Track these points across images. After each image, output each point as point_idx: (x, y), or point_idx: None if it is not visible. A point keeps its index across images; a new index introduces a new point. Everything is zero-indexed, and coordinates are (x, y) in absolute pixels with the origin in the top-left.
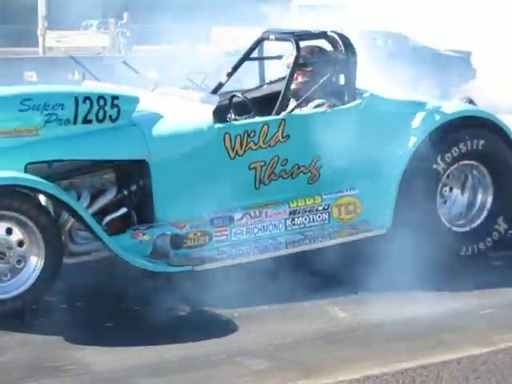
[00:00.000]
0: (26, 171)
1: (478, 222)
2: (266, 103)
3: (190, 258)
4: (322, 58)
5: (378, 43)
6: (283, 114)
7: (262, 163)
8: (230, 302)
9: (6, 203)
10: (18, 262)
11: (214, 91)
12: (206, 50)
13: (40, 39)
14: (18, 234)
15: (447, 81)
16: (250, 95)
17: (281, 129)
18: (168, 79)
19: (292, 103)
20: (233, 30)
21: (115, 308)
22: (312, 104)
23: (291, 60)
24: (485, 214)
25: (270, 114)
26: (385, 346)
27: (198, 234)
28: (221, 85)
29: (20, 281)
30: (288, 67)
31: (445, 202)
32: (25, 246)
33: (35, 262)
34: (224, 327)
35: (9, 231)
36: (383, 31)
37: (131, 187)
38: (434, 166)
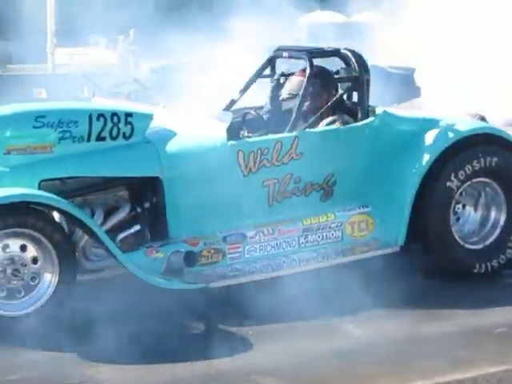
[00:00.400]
0: (39, 188)
1: (492, 239)
2: (279, 120)
3: (204, 276)
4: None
5: None
6: (296, 131)
7: (275, 181)
8: (245, 319)
9: (21, 220)
10: (33, 278)
11: (227, 108)
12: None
13: (49, 56)
14: (32, 251)
15: (388, 99)
16: (262, 112)
17: (294, 146)
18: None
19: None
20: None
21: (128, 325)
22: (324, 122)
23: (293, 86)
24: (498, 231)
25: (282, 131)
26: (400, 363)
27: (212, 251)
28: (233, 102)
29: (34, 298)
30: (289, 94)
31: (458, 219)
32: (39, 263)
33: (49, 279)
34: (239, 345)
35: (23, 248)
36: None
37: (145, 204)
38: (448, 183)
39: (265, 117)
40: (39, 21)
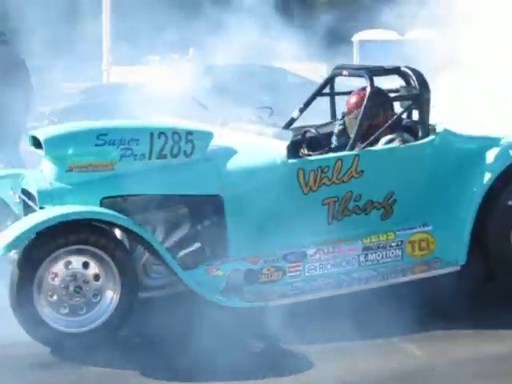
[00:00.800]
0: (101, 205)
1: None
2: (339, 139)
3: (264, 294)
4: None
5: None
6: (356, 149)
7: (336, 199)
8: (305, 338)
9: (83, 237)
10: (94, 295)
11: (286, 126)
12: None
13: (104, 74)
14: (94, 268)
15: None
16: (322, 130)
17: (354, 164)
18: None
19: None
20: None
21: (188, 343)
22: (383, 140)
23: (352, 104)
24: None
25: (342, 149)
26: None
27: (272, 269)
28: (293, 120)
29: (95, 315)
30: (348, 112)
31: None
32: (101, 280)
33: (111, 296)
34: (299, 363)
35: (85, 265)
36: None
37: (205, 222)
38: (509, 202)
39: (324, 135)
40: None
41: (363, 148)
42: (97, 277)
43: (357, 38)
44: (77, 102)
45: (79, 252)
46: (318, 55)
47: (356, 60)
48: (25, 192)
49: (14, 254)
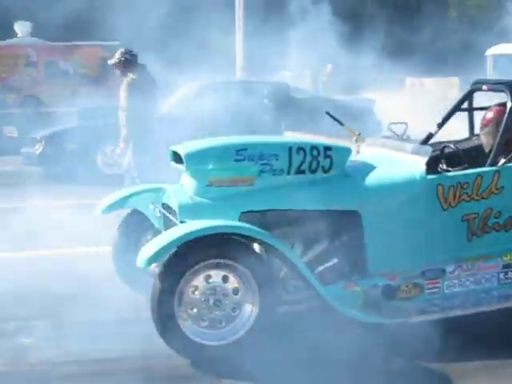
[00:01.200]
0: (240, 220)
1: None
2: (477, 154)
3: (402, 310)
4: None
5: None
6: (497, 165)
7: (475, 215)
8: (442, 355)
9: (224, 251)
10: (233, 309)
11: (424, 142)
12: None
13: None
14: (233, 282)
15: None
16: (460, 146)
17: (495, 180)
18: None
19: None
20: (426, 81)
21: (325, 358)
22: None
23: (490, 120)
24: None
25: (480, 165)
26: None
27: (410, 285)
28: (431, 135)
29: (234, 329)
30: (487, 128)
31: None
32: (240, 294)
33: (249, 310)
34: (439, 382)
35: (225, 279)
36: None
37: (343, 237)
38: None
39: (463, 150)
40: (228, 56)
41: (504, 164)
42: (236, 291)
43: (490, 52)
44: None
45: (218, 266)
46: (451, 70)
47: (490, 74)
48: (165, 206)
49: (155, 268)
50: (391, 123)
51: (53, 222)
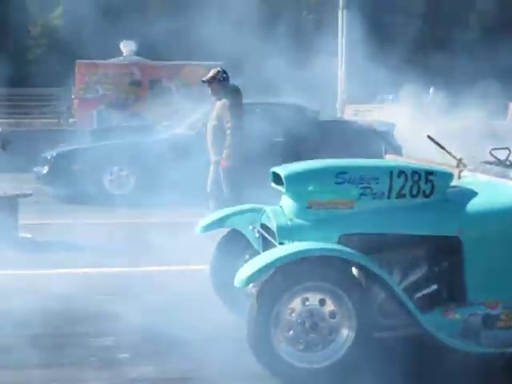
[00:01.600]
0: (339, 243)
1: None
2: None
3: (502, 339)
4: None
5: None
6: None
7: None
8: None
9: (322, 274)
10: (330, 333)
11: None
12: (503, 125)
13: (338, 112)
14: (330, 306)
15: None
16: None
17: None
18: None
19: None
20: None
21: None
22: None
23: None
24: None
25: None
26: None
27: (511, 314)
28: None
29: (330, 352)
30: None
31: None
32: (337, 318)
33: (346, 335)
34: None
35: (322, 302)
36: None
37: (442, 264)
38: None
39: None
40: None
41: None
42: (332, 314)
43: None
44: None
45: (316, 289)
46: None
47: None
48: (264, 227)
49: (252, 288)
50: (493, 149)
51: None
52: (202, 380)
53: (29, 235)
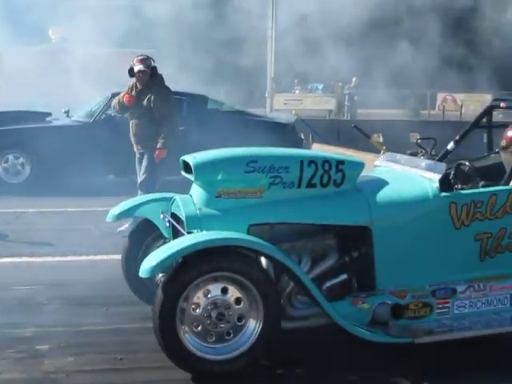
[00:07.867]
0: (248, 232)
1: None
2: (494, 173)
3: (410, 330)
4: None
5: None
6: None
7: (489, 235)
8: (455, 379)
9: (227, 264)
10: (239, 319)
11: (441, 159)
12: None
13: (268, 101)
14: (236, 293)
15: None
16: (476, 164)
17: (510, 200)
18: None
19: None
20: (457, 97)
21: (328, 376)
22: None
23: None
24: None
25: (497, 184)
26: None
27: (419, 304)
28: (447, 152)
29: (239, 342)
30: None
31: None
32: (243, 304)
33: (254, 325)
34: None
35: (224, 290)
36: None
37: (352, 253)
38: None
39: (481, 168)
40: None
41: None
42: (238, 301)
43: None
44: None
45: (221, 279)
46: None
47: None
48: (174, 216)
49: (160, 277)
50: (419, 138)
51: None
52: (119, 372)
53: None
